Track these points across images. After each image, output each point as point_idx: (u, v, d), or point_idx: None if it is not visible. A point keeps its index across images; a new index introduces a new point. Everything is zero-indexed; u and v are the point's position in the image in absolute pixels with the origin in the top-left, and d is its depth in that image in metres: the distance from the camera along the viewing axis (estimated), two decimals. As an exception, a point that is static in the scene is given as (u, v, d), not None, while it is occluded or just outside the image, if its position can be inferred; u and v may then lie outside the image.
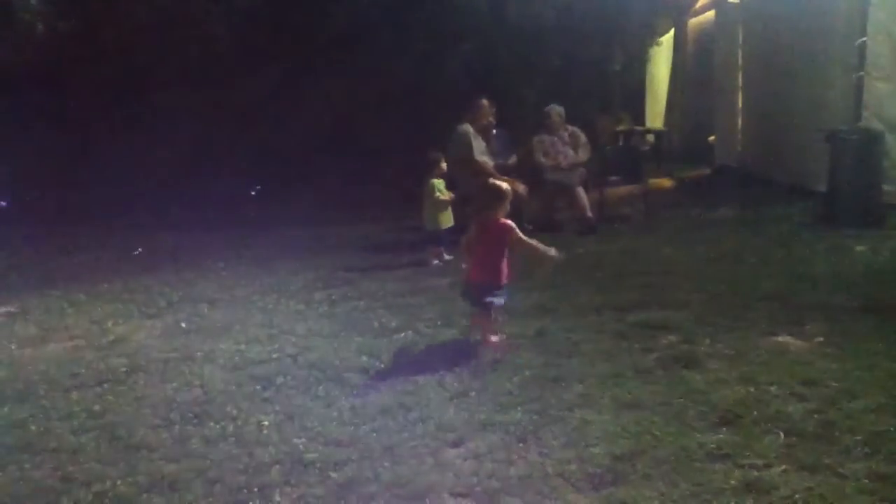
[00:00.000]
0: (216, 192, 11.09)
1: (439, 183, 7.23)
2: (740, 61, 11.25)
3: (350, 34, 12.30)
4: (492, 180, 5.46)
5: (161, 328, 5.53)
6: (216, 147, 12.01)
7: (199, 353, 4.86)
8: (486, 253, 4.72)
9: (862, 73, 7.93)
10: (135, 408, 4.10)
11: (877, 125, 7.72)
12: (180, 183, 11.30)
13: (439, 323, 5.22)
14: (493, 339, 4.70)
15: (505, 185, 5.01)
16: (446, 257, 7.05)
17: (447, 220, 7.26)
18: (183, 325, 5.54)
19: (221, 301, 6.15)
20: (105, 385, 4.44)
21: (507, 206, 4.82)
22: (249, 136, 12.01)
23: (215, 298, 6.24)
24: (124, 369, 4.67)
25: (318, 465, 3.34)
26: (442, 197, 7.19)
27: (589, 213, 8.41)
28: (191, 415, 3.94)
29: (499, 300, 4.70)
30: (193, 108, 11.77)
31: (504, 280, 4.72)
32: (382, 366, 4.48)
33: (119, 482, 3.30)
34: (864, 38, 7.87)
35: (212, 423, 3.82)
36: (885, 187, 7.53)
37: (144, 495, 3.20)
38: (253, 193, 8.62)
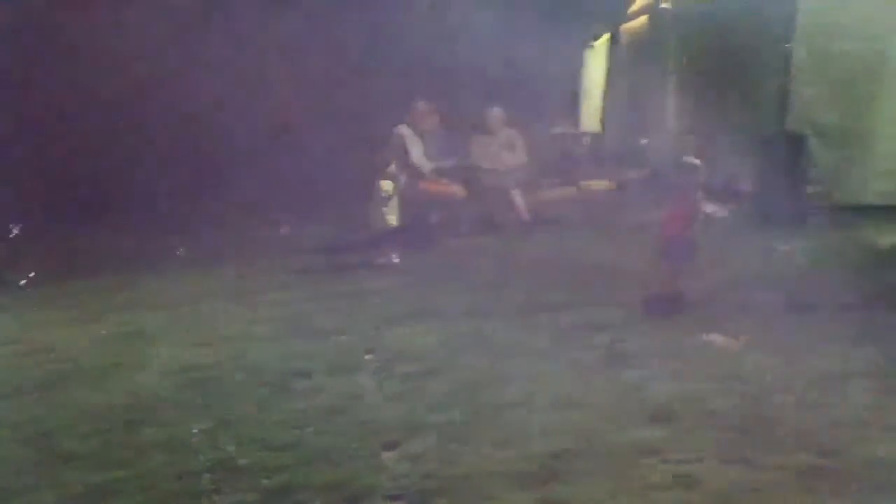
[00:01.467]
0: (149, 192, 10.81)
1: (387, 183, 7.23)
2: (673, 65, 11.49)
3: (286, 35, 12.16)
4: None
5: (93, 334, 5.39)
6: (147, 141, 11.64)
7: (132, 360, 4.76)
8: None
9: (788, 78, 8.19)
10: (65, 416, 3.99)
11: (802, 128, 7.97)
12: (112, 182, 10.95)
13: (379, 324, 5.21)
14: None
15: None
16: (394, 259, 7.03)
17: (394, 220, 7.26)
18: (116, 330, 5.41)
19: (157, 306, 6.03)
20: (36, 392, 4.32)
21: None
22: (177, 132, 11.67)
23: (149, 303, 6.11)
24: (54, 377, 4.54)
25: (252, 471, 3.29)
26: (391, 197, 7.18)
27: (525, 215, 8.50)
28: (123, 422, 3.86)
29: None
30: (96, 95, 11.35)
31: None
32: (320, 369, 4.45)
33: (47, 492, 3.21)
34: (790, 44, 8.13)
35: (144, 431, 3.74)
36: (809, 189, 7.78)
37: (72, 506, 3.12)
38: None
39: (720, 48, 9.58)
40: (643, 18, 13.38)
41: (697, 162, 5.22)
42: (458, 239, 8.07)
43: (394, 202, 7.21)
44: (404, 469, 3.25)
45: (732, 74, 9.27)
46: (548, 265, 6.75)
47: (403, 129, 8.01)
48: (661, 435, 3.40)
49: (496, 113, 8.86)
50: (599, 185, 11.45)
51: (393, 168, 7.37)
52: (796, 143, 7.81)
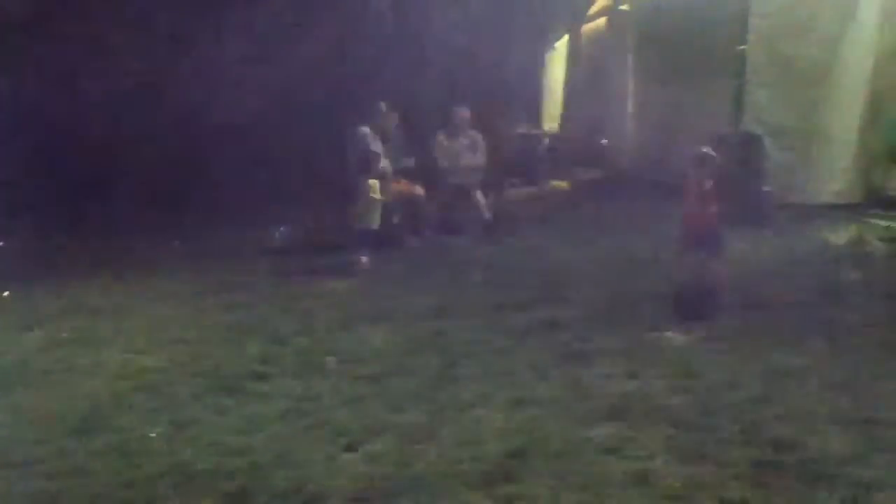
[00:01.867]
0: (93, 194, 10.60)
1: (375, 183, 7.19)
2: (631, 66, 11.64)
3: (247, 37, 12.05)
4: None
5: (41, 339, 5.24)
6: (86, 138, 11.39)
7: (82, 364, 4.65)
8: None
9: (742, 79, 8.33)
10: (12, 423, 3.89)
11: (757, 129, 8.12)
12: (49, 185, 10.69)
13: (337, 326, 5.19)
14: None
15: None
16: (363, 260, 6.96)
17: (377, 219, 7.22)
18: (65, 335, 5.28)
19: (106, 310, 5.88)
20: (-18, 399, 4.21)
21: None
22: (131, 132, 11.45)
23: (100, 307, 5.96)
24: (4, 381, 4.43)
25: (209, 475, 3.25)
26: (377, 197, 7.14)
27: (487, 215, 8.52)
28: (74, 428, 3.77)
29: None
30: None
31: None
32: (278, 372, 4.40)
33: (-7, 501, 3.14)
34: (744, 46, 8.28)
35: (96, 437, 3.66)
36: (766, 188, 7.92)
37: (21, 515, 3.05)
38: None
39: (678, 49, 9.72)
40: (602, 20, 13.54)
41: (713, 153, 5.26)
42: (420, 238, 8.06)
43: (377, 203, 7.15)
44: (364, 470, 3.24)
45: (688, 75, 9.41)
46: (508, 265, 6.76)
47: (365, 129, 7.97)
48: (617, 432, 3.43)
49: (462, 112, 8.85)
50: (560, 184, 11.54)
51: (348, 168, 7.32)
52: (752, 143, 7.94)
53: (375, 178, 7.24)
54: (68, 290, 6.54)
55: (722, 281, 5.09)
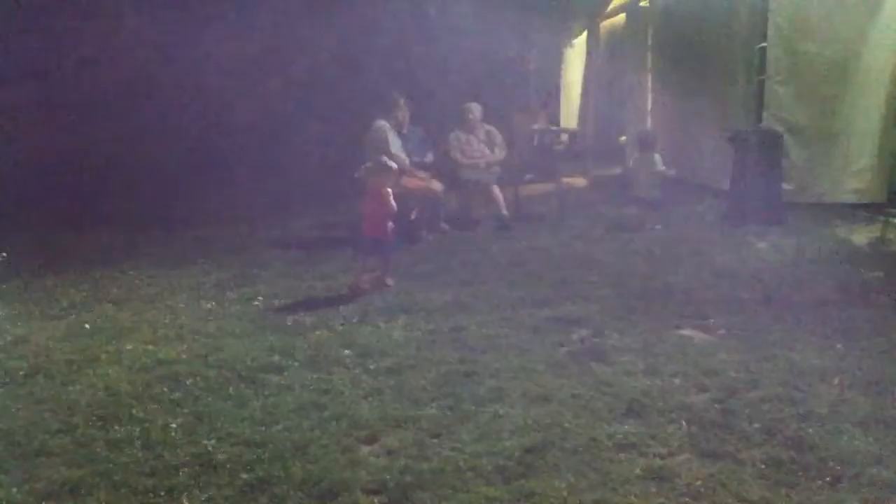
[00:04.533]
0: (117, 188, 10.68)
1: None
2: (649, 63, 11.57)
3: (265, 30, 12.09)
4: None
5: (64, 329, 5.30)
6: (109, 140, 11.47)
7: (103, 355, 4.68)
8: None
9: (763, 76, 8.27)
10: (34, 411, 3.93)
11: (777, 126, 8.06)
12: (72, 177, 10.76)
13: (354, 320, 5.20)
14: (389, 281, 5.96)
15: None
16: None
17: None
18: (87, 325, 5.32)
19: (127, 301, 5.94)
20: (3, 388, 4.25)
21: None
22: (152, 126, 11.52)
23: (121, 298, 6.02)
24: (23, 372, 4.47)
25: (228, 465, 3.28)
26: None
27: (504, 211, 8.51)
28: (94, 418, 3.81)
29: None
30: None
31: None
32: (296, 364, 4.42)
33: (15, 489, 3.16)
34: (764, 44, 8.22)
35: (117, 426, 3.70)
36: (785, 186, 7.87)
37: (43, 503, 3.08)
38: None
39: (697, 46, 9.66)
40: (621, 16, 13.47)
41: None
42: (438, 234, 8.06)
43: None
44: (382, 464, 3.25)
45: (708, 72, 9.35)
46: (526, 261, 6.75)
47: (383, 122, 7.98)
48: (636, 429, 3.43)
49: (474, 108, 8.85)
50: (577, 181, 11.51)
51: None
52: (772, 141, 7.89)
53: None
54: (90, 281, 6.59)
55: None
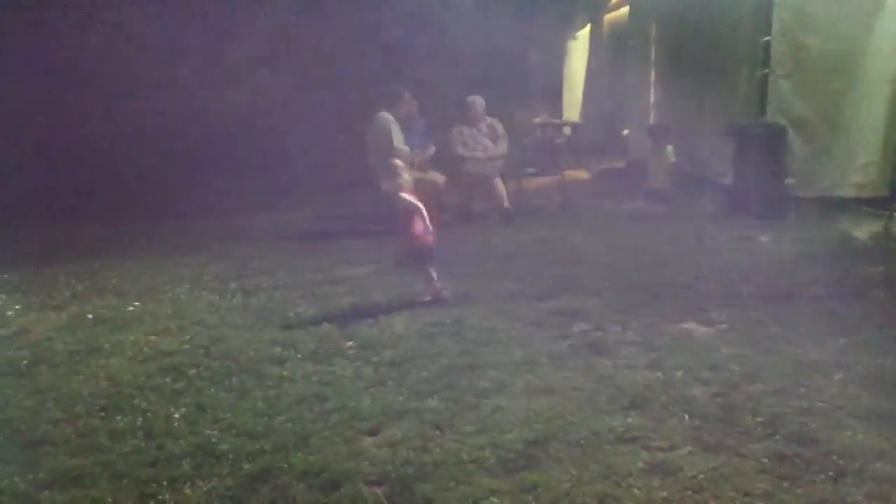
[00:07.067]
0: (118, 180, 10.68)
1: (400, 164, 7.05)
2: (653, 57, 11.54)
3: (268, 20, 12.07)
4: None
5: (66, 319, 5.31)
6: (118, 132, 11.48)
7: (106, 345, 4.69)
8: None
9: (766, 70, 8.25)
10: (37, 401, 3.93)
11: (780, 120, 8.03)
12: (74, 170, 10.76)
13: (356, 313, 5.20)
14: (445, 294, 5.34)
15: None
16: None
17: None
18: (89, 316, 5.33)
19: (130, 292, 5.94)
20: (5, 378, 4.26)
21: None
22: (152, 121, 11.51)
23: (123, 289, 6.02)
24: (25, 362, 4.48)
25: (230, 456, 3.28)
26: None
27: (506, 204, 8.51)
28: (97, 408, 3.81)
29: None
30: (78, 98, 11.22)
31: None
32: (298, 356, 4.42)
33: (17, 479, 3.17)
34: (768, 38, 8.18)
35: (119, 417, 3.70)
36: (788, 180, 7.85)
37: (46, 492, 3.08)
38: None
39: (700, 39, 9.63)
40: (624, 10, 13.43)
41: None
42: (439, 227, 8.04)
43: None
44: (384, 455, 3.25)
45: (711, 66, 9.32)
46: (527, 253, 6.75)
47: (387, 115, 7.96)
48: (638, 423, 3.43)
49: (477, 101, 8.84)
50: (580, 174, 11.51)
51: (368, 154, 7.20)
52: (775, 135, 7.87)
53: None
54: (92, 272, 6.60)
55: None
